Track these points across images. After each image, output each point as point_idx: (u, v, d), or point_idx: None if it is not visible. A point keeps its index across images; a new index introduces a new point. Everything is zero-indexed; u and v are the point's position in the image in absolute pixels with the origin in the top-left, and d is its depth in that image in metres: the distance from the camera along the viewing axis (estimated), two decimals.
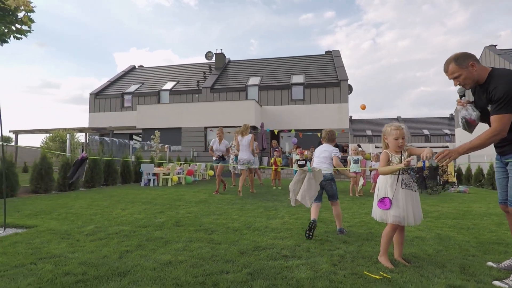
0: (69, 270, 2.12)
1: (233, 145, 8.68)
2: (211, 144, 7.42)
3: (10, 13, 2.49)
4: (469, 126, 2.23)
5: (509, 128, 1.96)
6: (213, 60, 22.79)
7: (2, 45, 2.93)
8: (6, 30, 2.59)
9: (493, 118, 1.97)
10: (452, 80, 2.16)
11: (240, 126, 7.49)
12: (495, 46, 18.86)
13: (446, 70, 2.16)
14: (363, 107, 16.01)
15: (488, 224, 3.85)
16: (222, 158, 7.27)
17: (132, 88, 21.30)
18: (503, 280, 1.98)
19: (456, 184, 10.57)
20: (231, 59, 24.05)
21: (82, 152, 3.79)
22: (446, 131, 41.15)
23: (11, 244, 2.72)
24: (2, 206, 4.21)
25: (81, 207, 4.84)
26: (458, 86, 2.19)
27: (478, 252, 2.66)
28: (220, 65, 22.25)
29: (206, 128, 16.96)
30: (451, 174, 2.64)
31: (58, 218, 3.95)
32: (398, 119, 46.66)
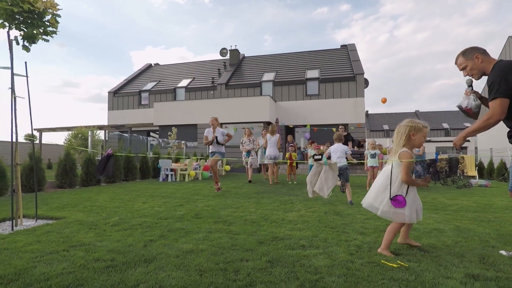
0: (99, 257, 2.26)
1: (255, 142, 9.33)
2: (205, 134, 6.83)
3: (39, 15, 2.64)
4: (466, 114, 2.45)
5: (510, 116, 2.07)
6: (227, 56, 22.91)
7: (30, 46, 3.11)
8: (35, 32, 2.75)
9: (489, 104, 2.14)
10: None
11: (255, 122, 7.72)
12: None
13: (456, 63, 2.39)
14: (384, 101, 15.73)
15: (509, 217, 3.77)
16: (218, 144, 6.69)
17: (149, 85, 21.74)
18: None
19: (476, 178, 10.27)
20: (245, 55, 24.10)
21: (108, 149, 3.92)
22: (467, 124, 39.75)
23: (44, 234, 2.91)
24: (33, 200, 4.47)
25: (105, 200, 5.06)
26: (468, 77, 2.37)
27: (498, 244, 2.63)
28: (235, 61, 22.34)
29: (221, 124, 17.12)
30: (466, 166, 2.67)
31: (84, 210, 4.16)
32: (417, 113, 45.44)
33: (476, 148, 20.07)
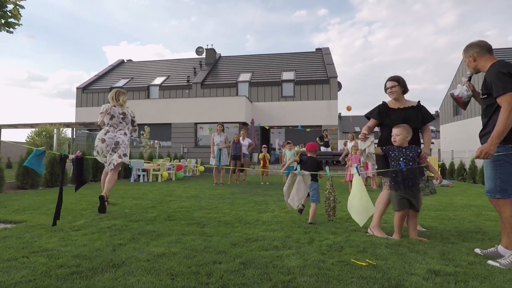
0: (63, 263, 2.14)
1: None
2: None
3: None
4: (456, 102, 2.61)
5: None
6: (203, 55, 22.63)
7: None
8: None
9: (498, 100, 2.18)
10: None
11: (230, 122, 7.74)
12: None
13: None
14: (349, 109, 16.33)
15: (468, 215, 4.05)
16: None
17: (121, 82, 20.96)
18: (497, 260, 2.19)
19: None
20: (221, 55, 23.94)
21: (77, 151, 3.67)
22: (432, 127, 42.12)
23: (1, 239, 2.70)
24: None
25: (71, 202, 4.81)
26: (470, 70, 2.49)
27: (457, 240, 2.81)
28: (211, 60, 22.12)
29: (196, 124, 16.89)
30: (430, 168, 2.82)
31: (48, 213, 3.93)
32: None
33: (439, 150, 21.33)
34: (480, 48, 2.37)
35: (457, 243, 2.71)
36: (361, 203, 2.30)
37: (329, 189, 2.43)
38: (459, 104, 2.61)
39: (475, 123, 18.05)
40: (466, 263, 2.21)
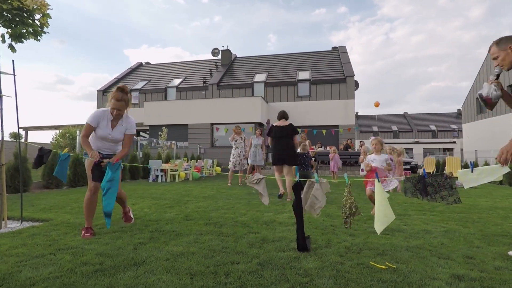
0: (87, 260, 2.22)
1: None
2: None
3: (28, 13, 2.58)
4: (484, 103, 2.34)
5: None
6: (219, 56, 22.84)
7: (16, 45, 3.04)
8: (24, 31, 2.69)
9: None
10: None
11: (246, 123, 7.69)
12: None
13: (489, 51, 2.31)
14: (377, 105, 15.98)
15: (493, 218, 3.88)
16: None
17: (139, 84, 21.49)
18: None
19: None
20: (237, 56, 24.07)
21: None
22: (454, 126, 40.67)
23: (29, 236, 2.84)
24: (18, 201, 4.36)
25: None
26: (497, 67, 2.29)
27: (482, 244, 2.70)
28: (227, 61, 22.29)
29: (212, 124, 17.07)
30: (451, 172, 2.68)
31: (72, 212, 4.08)
32: (405, 115, 46.21)
33: (462, 149, 20.54)
34: None
35: (482, 247, 2.61)
36: (379, 211, 2.24)
37: (346, 196, 2.39)
38: (488, 105, 2.36)
39: (503, 121, 17.28)
40: (493, 268, 2.12)
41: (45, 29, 2.85)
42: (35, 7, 2.56)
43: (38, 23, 2.70)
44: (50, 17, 2.77)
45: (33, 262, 2.19)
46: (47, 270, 2.03)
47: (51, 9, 2.78)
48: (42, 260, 2.23)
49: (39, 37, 2.81)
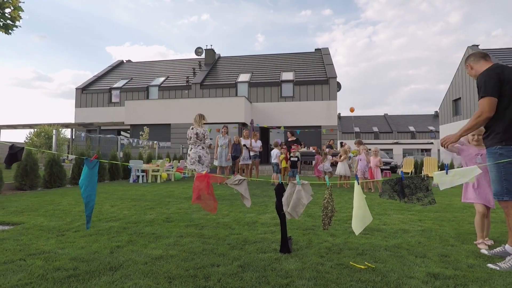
0: (60, 266, 2.12)
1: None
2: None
3: None
4: None
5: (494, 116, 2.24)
6: (203, 55, 22.62)
7: None
8: None
9: (478, 103, 2.33)
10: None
11: (229, 123, 7.77)
12: (477, 45, 19.43)
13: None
14: (352, 110, 16.32)
15: (467, 217, 4.03)
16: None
17: (120, 83, 20.95)
18: (497, 263, 2.20)
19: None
20: (221, 55, 23.93)
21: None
22: (431, 127, 42.19)
23: None
24: None
25: (69, 203, 4.79)
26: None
27: (457, 242, 2.80)
28: (210, 61, 22.12)
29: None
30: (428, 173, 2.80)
31: (46, 214, 3.91)
32: (385, 117, 47.49)
33: (438, 150, 21.33)
34: (474, 57, 2.51)
35: (457, 245, 2.70)
36: (358, 212, 2.28)
37: (328, 198, 2.40)
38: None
39: None
40: (466, 266, 2.20)
41: (17, 23, 2.71)
42: (5, 0, 2.42)
43: (9, 17, 2.56)
44: (22, 10, 2.64)
45: (1, 268, 2.07)
46: (16, 277, 1.93)
47: (23, 2, 2.64)
48: (11, 266, 2.12)
49: (10, 31, 2.66)
